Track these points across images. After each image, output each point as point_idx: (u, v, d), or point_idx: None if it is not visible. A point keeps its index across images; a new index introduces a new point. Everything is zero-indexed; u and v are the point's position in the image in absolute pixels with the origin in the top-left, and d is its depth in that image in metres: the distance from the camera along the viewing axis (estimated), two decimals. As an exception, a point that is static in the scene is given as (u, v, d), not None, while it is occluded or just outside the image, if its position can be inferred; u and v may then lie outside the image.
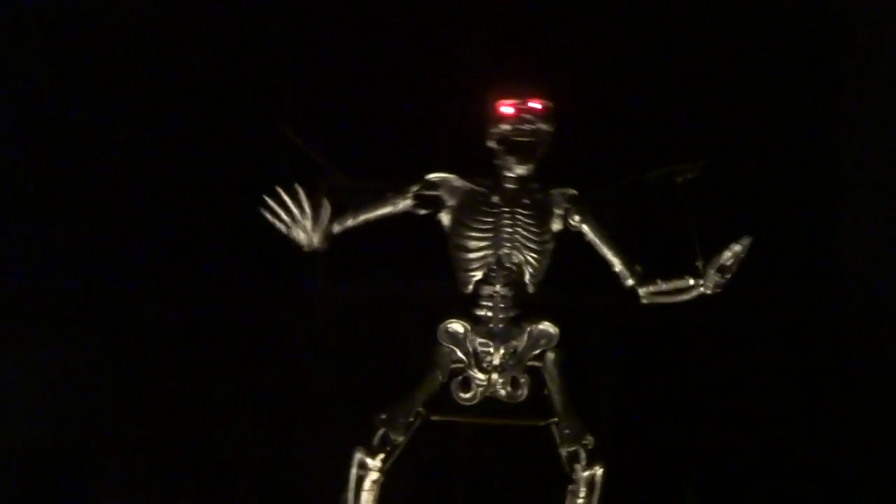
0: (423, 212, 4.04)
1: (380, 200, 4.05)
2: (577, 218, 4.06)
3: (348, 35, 4.58)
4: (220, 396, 4.67)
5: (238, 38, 4.58)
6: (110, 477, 4.58)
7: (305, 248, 3.92)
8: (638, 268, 4.06)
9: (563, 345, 4.05)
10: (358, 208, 4.03)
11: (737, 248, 3.93)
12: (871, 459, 4.73)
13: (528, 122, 3.93)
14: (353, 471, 3.87)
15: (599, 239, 4.08)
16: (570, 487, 3.94)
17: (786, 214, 4.77)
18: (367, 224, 4.04)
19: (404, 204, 4.04)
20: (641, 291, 4.04)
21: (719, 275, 3.95)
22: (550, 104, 3.96)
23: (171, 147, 4.62)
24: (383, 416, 3.89)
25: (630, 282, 4.05)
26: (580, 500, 3.91)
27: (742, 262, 3.94)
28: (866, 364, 4.81)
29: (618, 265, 4.07)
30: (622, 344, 4.73)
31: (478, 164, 4.04)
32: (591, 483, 3.90)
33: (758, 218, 4.36)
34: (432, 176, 4.05)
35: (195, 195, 4.52)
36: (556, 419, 4.00)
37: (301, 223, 3.89)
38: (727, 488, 4.66)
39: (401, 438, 3.90)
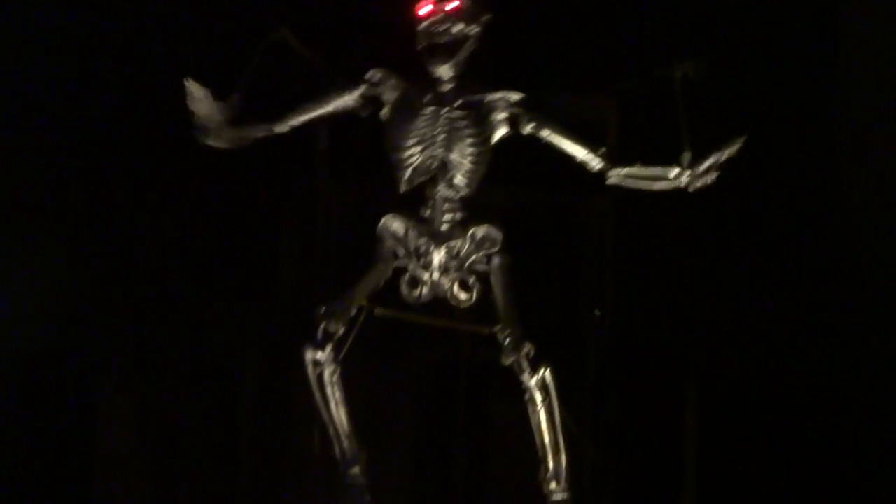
0: (364, 113, 4.03)
1: (322, 101, 4.04)
2: (530, 124, 3.97)
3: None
4: (220, 297, 4.88)
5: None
6: (112, 384, 4.89)
7: (201, 139, 3.94)
8: (602, 150, 3.94)
9: (511, 249, 3.97)
10: (300, 109, 4.03)
11: (728, 149, 3.81)
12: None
13: (440, 22, 3.86)
14: (310, 370, 3.96)
15: (556, 135, 3.98)
16: (527, 396, 3.93)
17: (784, 121, 4.71)
18: (311, 123, 4.05)
19: (346, 104, 4.02)
20: (610, 172, 3.93)
21: (706, 173, 3.83)
22: (467, 3, 3.87)
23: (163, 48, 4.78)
24: (322, 310, 3.93)
25: (598, 166, 3.95)
26: (539, 406, 3.91)
27: (730, 162, 3.82)
28: (866, 274, 4.71)
29: (581, 154, 3.97)
30: (589, 245, 4.79)
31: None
32: (542, 386, 3.89)
33: (754, 122, 4.19)
34: (373, 73, 4.02)
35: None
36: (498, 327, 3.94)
37: (204, 120, 3.90)
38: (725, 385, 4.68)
39: (341, 329, 3.93)
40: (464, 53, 3.90)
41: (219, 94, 3.87)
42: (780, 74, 4.75)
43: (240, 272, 4.91)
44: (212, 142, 3.93)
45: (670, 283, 4.78)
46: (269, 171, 4.12)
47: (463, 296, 3.97)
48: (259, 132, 4.00)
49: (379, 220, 4.07)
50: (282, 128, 4.03)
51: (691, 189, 3.85)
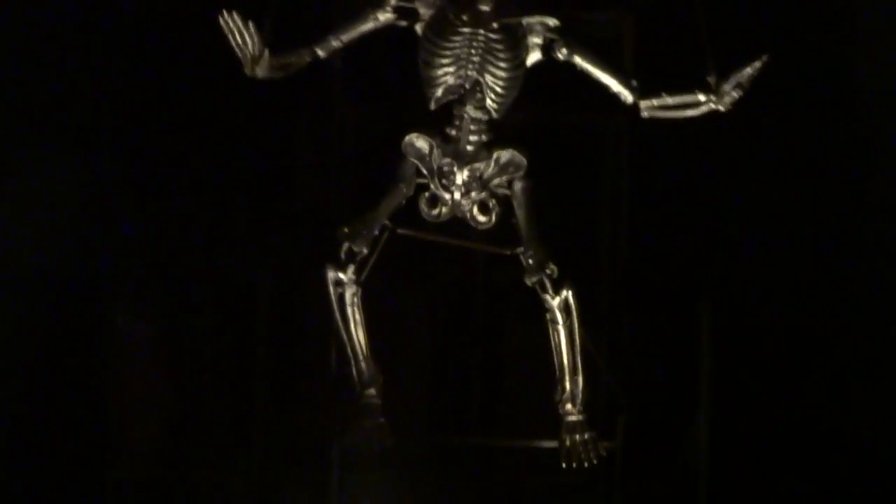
0: (403, 23, 3.99)
1: (360, 18, 4.00)
2: (564, 50, 3.95)
3: None
4: (236, 218, 4.89)
5: None
6: (127, 305, 4.85)
7: (247, 73, 3.90)
8: (634, 83, 3.95)
9: (539, 173, 3.97)
10: (340, 30, 4.00)
11: (756, 65, 3.81)
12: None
13: None
14: (331, 289, 3.97)
15: (591, 64, 3.97)
16: (548, 316, 3.98)
17: (805, 36, 4.68)
18: (353, 44, 4.02)
19: (385, 17, 3.99)
20: (642, 105, 3.95)
21: (735, 90, 3.83)
22: None
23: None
24: (345, 230, 3.94)
25: (630, 98, 3.96)
26: (560, 326, 3.96)
27: (755, 80, 3.83)
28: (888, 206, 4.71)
29: (614, 85, 3.97)
30: (611, 169, 4.80)
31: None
32: (565, 307, 3.94)
33: (777, 35, 4.31)
34: None
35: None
36: (521, 248, 3.97)
37: (245, 51, 3.85)
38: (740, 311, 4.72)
39: (365, 250, 3.95)
40: None
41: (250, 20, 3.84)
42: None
43: (256, 192, 4.90)
44: (258, 72, 3.87)
45: (687, 205, 4.79)
46: (286, 89, 4.05)
47: (482, 218, 3.97)
48: (302, 58, 3.96)
49: (395, 138, 4.04)
50: (325, 51, 3.99)
51: (723, 109, 3.84)
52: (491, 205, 3.96)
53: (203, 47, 4.51)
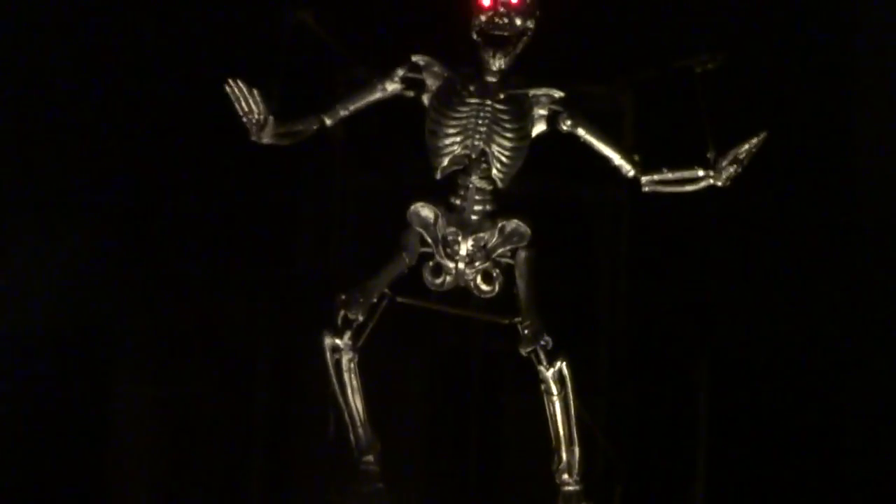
0: (410, 94, 4.06)
1: (368, 88, 4.08)
2: (568, 122, 4.02)
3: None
4: (236, 284, 4.92)
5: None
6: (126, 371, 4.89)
7: (252, 139, 3.95)
8: (636, 157, 4.02)
9: (538, 244, 4.01)
10: (347, 99, 4.08)
11: (753, 141, 3.88)
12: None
13: (504, 15, 3.90)
14: (328, 356, 3.99)
15: (594, 137, 4.03)
16: (543, 387, 3.99)
17: (804, 110, 4.80)
18: (360, 113, 4.09)
19: (392, 87, 4.07)
20: (643, 180, 4.01)
21: (733, 167, 3.89)
22: None
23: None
24: (342, 297, 3.95)
25: (631, 173, 4.02)
26: (555, 397, 3.98)
27: (753, 156, 3.90)
28: (878, 267, 4.80)
29: (616, 159, 4.04)
30: (609, 238, 4.88)
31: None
32: (559, 378, 3.95)
33: (775, 112, 4.43)
34: (417, 58, 4.06)
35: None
36: (518, 318, 3.99)
37: (250, 118, 3.89)
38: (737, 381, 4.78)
39: (361, 317, 3.95)
40: (520, 47, 3.94)
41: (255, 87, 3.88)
42: (798, 66, 4.86)
43: (256, 259, 4.93)
44: (263, 138, 3.91)
45: (684, 276, 4.86)
46: (288, 156, 4.11)
47: (485, 287, 4.01)
48: (310, 126, 4.02)
49: (395, 207, 4.08)
50: (333, 119, 4.06)
51: (720, 185, 3.92)
52: (494, 274, 4.00)
53: (205, 114, 4.59)
